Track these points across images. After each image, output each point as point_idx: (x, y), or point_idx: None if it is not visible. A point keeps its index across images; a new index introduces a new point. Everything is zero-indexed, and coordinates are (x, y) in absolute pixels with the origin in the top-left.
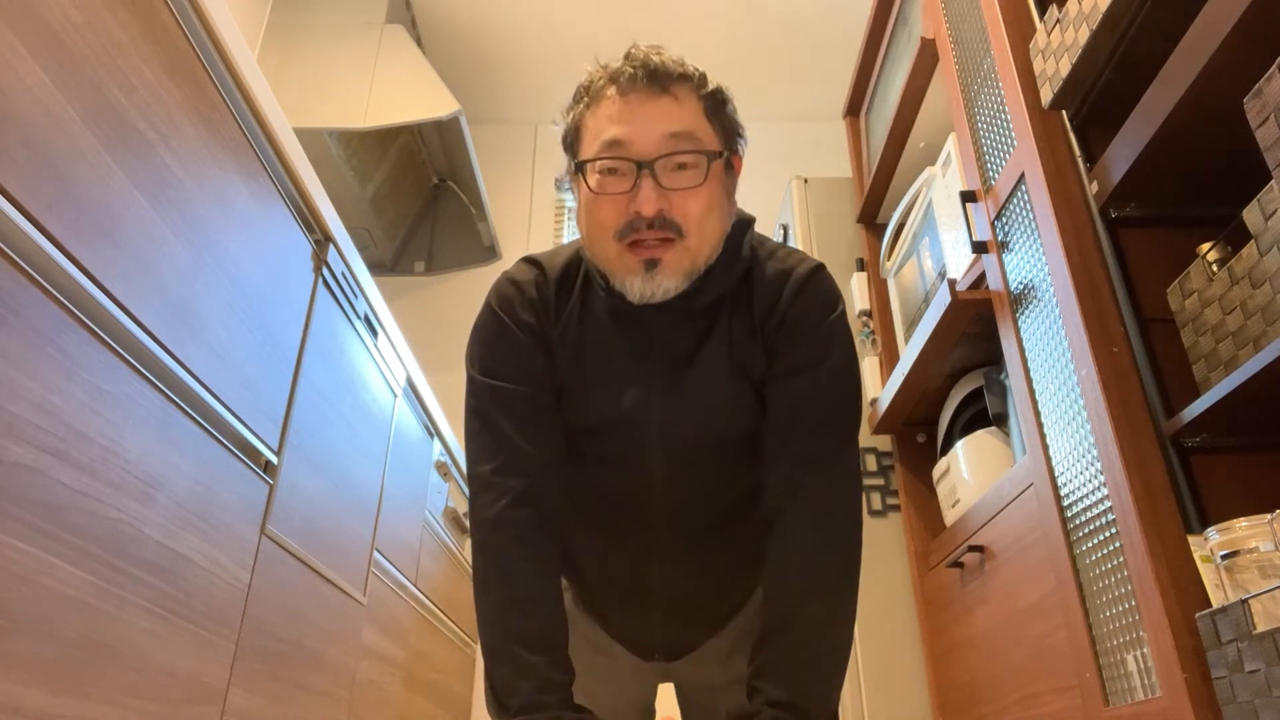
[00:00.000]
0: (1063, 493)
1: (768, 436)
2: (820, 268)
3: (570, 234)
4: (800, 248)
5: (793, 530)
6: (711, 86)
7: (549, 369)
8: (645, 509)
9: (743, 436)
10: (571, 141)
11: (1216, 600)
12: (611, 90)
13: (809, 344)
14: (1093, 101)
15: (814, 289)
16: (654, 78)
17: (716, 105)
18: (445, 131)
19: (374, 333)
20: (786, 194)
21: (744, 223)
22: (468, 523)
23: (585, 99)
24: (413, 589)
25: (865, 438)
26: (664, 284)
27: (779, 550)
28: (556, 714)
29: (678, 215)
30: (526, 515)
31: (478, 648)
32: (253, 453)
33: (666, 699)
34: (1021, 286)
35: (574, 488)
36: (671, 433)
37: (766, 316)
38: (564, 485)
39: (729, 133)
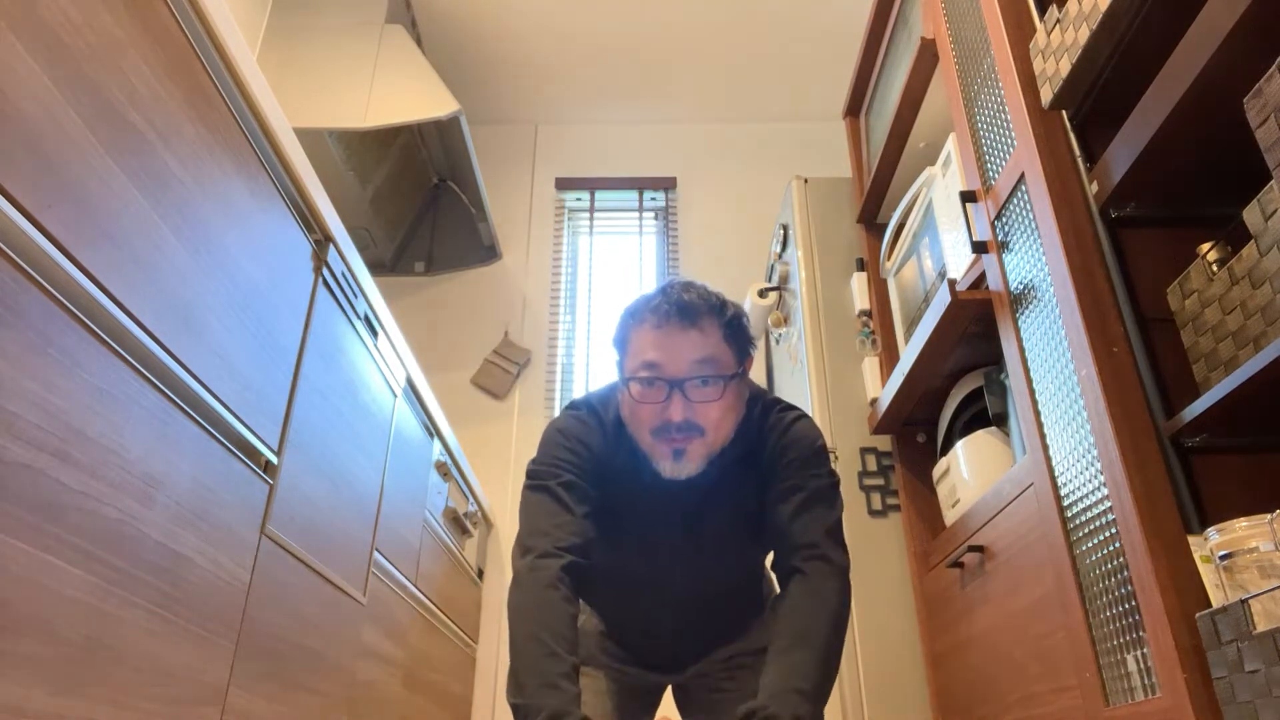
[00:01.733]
0: (1063, 493)
1: (772, 536)
2: (801, 415)
3: (570, 234)
4: (800, 248)
5: (795, 598)
6: (729, 314)
7: (603, 484)
8: (662, 590)
9: (740, 558)
10: (619, 349)
11: (1216, 600)
12: (652, 319)
13: (798, 470)
14: (1093, 101)
15: (796, 432)
16: (684, 314)
17: (733, 330)
18: (445, 131)
19: (374, 333)
20: (786, 194)
21: (754, 397)
22: (512, 562)
23: (632, 320)
24: (413, 589)
25: (865, 438)
26: (688, 468)
27: (785, 610)
28: (567, 707)
29: (700, 419)
30: (572, 562)
31: (477, 647)
32: (253, 453)
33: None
34: (1021, 286)
35: (604, 576)
36: (689, 560)
37: (764, 459)
38: (598, 572)
39: (742, 348)
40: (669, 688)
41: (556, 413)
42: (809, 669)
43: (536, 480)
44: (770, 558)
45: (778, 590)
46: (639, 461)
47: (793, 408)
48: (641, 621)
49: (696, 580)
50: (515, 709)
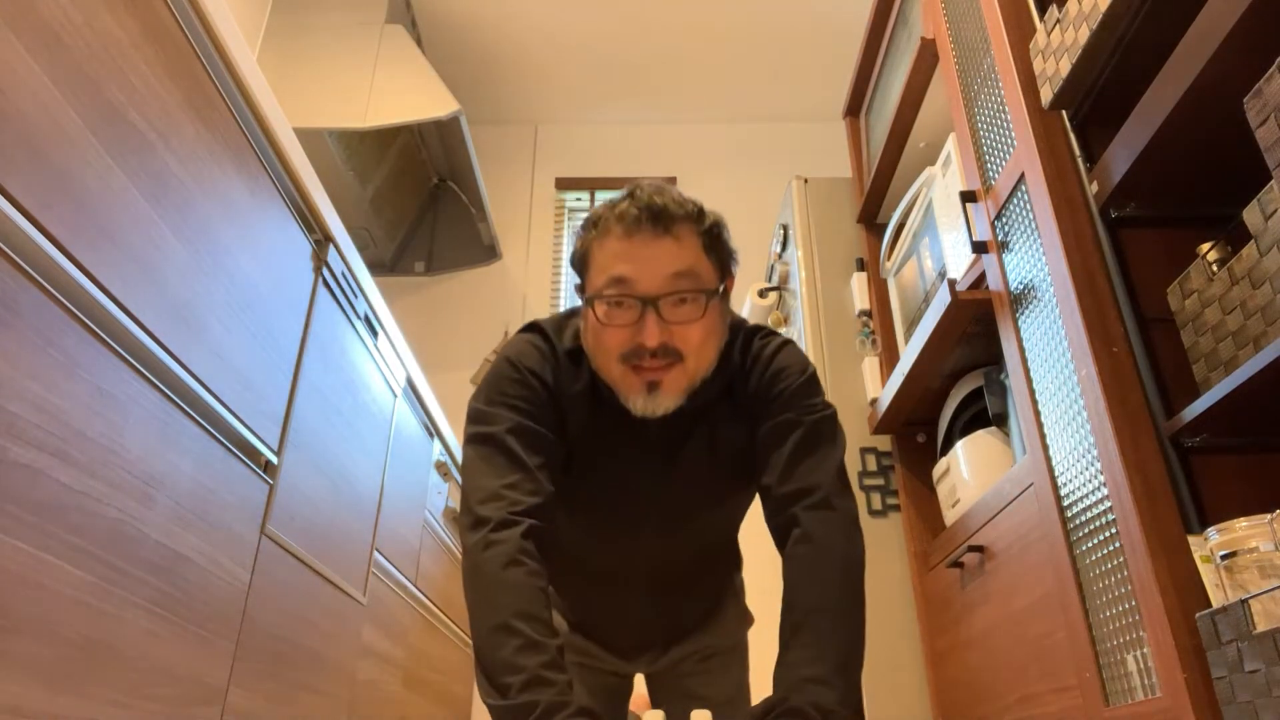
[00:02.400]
0: (1063, 493)
1: (765, 485)
2: (786, 341)
3: (570, 234)
4: (800, 248)
5: (799, 561)
6: (709, 222)
7: (561, 426)
8: (630, 562)
9: (719, 511)
10: (580, 268)
11: (1216, 600)
12: (618, 229)
13: (790, 404)
14: (1093, 101)
15: (782, 360)
16: (657, 219)
17: (713, 240)
18: (445, 131)
19: (374, 333)
20: (786, 194)
21: (734, 328)
22: (460, 531)
23: (594, 231)
24: (413, 589)
25: (865, 438)
26: (664, 403)
27: (790, 578)
28: (563, 698)
29: (679, 343)
30: (531, 526)
31: None
32: (253, 453)
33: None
34: (1021, 286)
35: (567, 539)
36: (660, 512)
37: (748, 395)
38: (558, 535)
39: (724, 262)
40: (641, 677)
41: None
42: (825, 648)
43: (482, 427)
44: (753, 528)
45: (740, 578)
46: (602, 398)
47: (774, 334)
48: (606, 599)
49: (668, 545)
50: (497, 712)
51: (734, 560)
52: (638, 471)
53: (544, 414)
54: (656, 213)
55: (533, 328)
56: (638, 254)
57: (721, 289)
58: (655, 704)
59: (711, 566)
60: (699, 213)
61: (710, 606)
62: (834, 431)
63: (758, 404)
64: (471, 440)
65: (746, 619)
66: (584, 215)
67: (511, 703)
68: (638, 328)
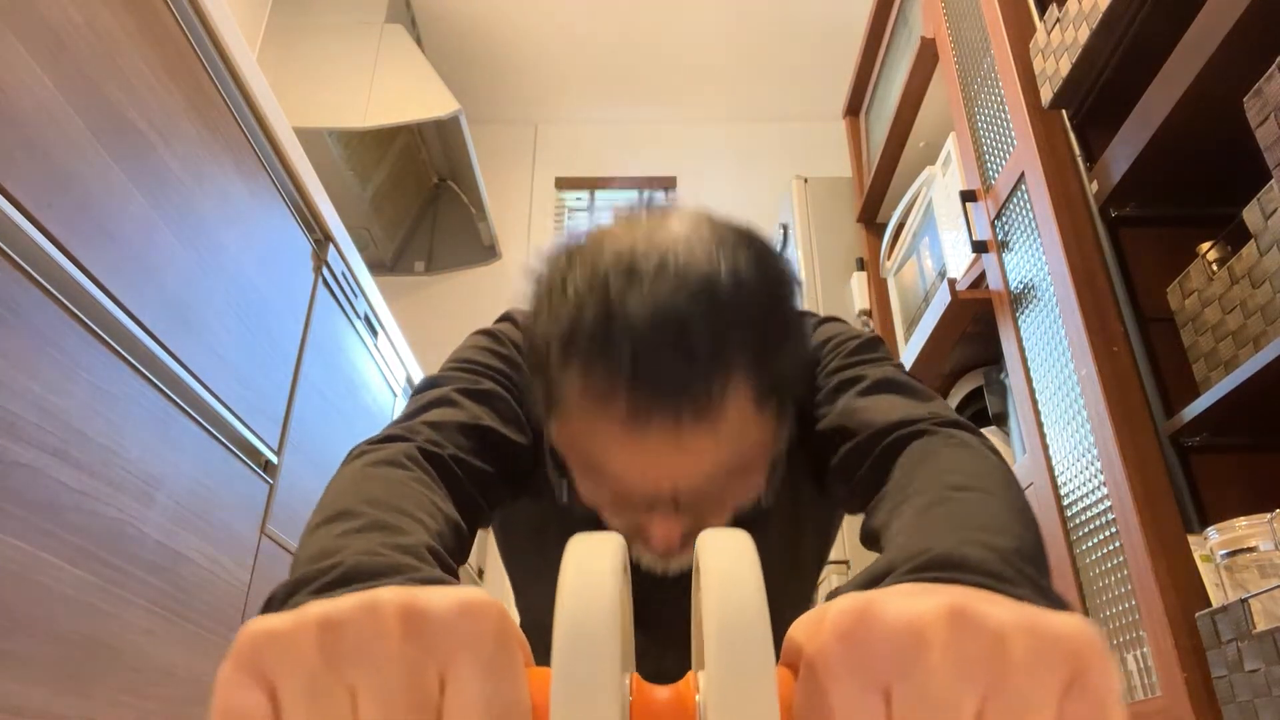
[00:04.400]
0: (1063, 492)
1: (839, 460)
2: (828, 317)
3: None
4: (800, 248)
5: (922, 453)
6: (773, 331)
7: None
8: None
9: (802, 583)
10: (549, 397)
11: (1216, 600)
12: (617, 407)
13: (845, 362)
14: (1093, 101)
15: (825, 332)
16: (682, 403)
17: (777, 368)
18: (445, 131)
19: (374, 333)
20: (786, 194)
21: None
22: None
23: (562, 370)
24: None
25: None
26: (681, 560)
27: (898, 482)
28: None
29: (705, 524)
30: (439, 462)
31: None
32: (253, 452)
33: None
34: (1021, 286)
35: (540, 601)
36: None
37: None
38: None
39: (790, 381)
40: None
41: None
42: (989, 521)
43: (426, 390)
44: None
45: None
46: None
47: (811, 314)
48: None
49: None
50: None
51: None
52: (657, 591)
53: (522, 396)
54: (676, 390)
55: (511, 320)
56: (644, 458)
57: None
58: None
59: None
60: (755, 327)
61: None
62: (918, 384)
63: (805, 412)
64: (424, 385)
65: None
66: (584, 216)
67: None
68: (644, 520)
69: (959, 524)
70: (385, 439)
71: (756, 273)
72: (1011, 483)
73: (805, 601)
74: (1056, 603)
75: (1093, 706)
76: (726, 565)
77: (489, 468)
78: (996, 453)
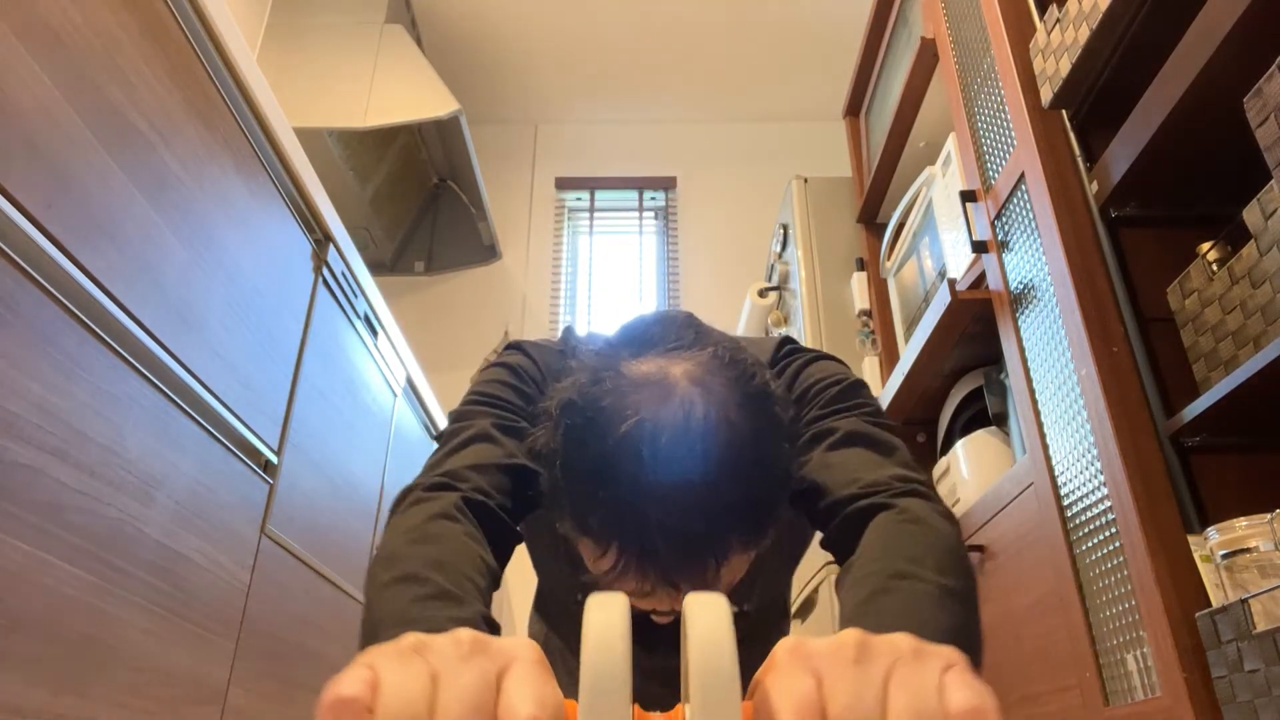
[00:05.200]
0: (1063, 492)
1: (821, 505)
2: (817, 355)
3: (570, 234)
4: (800, 248)
5: (882, 529)
6: (764, 503)
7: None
8: (650, 661)
9: (774, 590)
10: (559, 520)
11: (1216, 600)
12: (627, 585)
13: (828, 407)
14: (1093, 101)
15: (812, 373)
16: (689, 580)
17: (768, 521)
18: (445, 131)
19: (374, 333)
20: (786, 194)
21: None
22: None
23: (590, 538)
24: None
25: None
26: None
27: (866, 550)
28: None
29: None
30: (477, 501)
31: None
32: (253, 452)
33: None
34: (1021, 286)
35: (557, 593)
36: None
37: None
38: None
39: (773, 526)
40: None
41: None
42: (922, 620)
43: (459, 423)
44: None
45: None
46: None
47: (799, 351)
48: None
49: None
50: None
51: (782, 614)
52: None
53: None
54: (684, 576)
55: (519, 349)
56: (652, 603)
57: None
58: None
59: (758, 638)
60: (754, 517)
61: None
62: (892, 435)
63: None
64: (440, 438)
65: None
66: (584, 216)
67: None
68: (645, 595)
69: (889, 621)
70: (437, 485)
71: (753, 449)
72: (946, 559)
73: (784, 584)
74: None
75: (965, 675)
76: (706, 628)
77: (522, 501)
78: (943, 514)
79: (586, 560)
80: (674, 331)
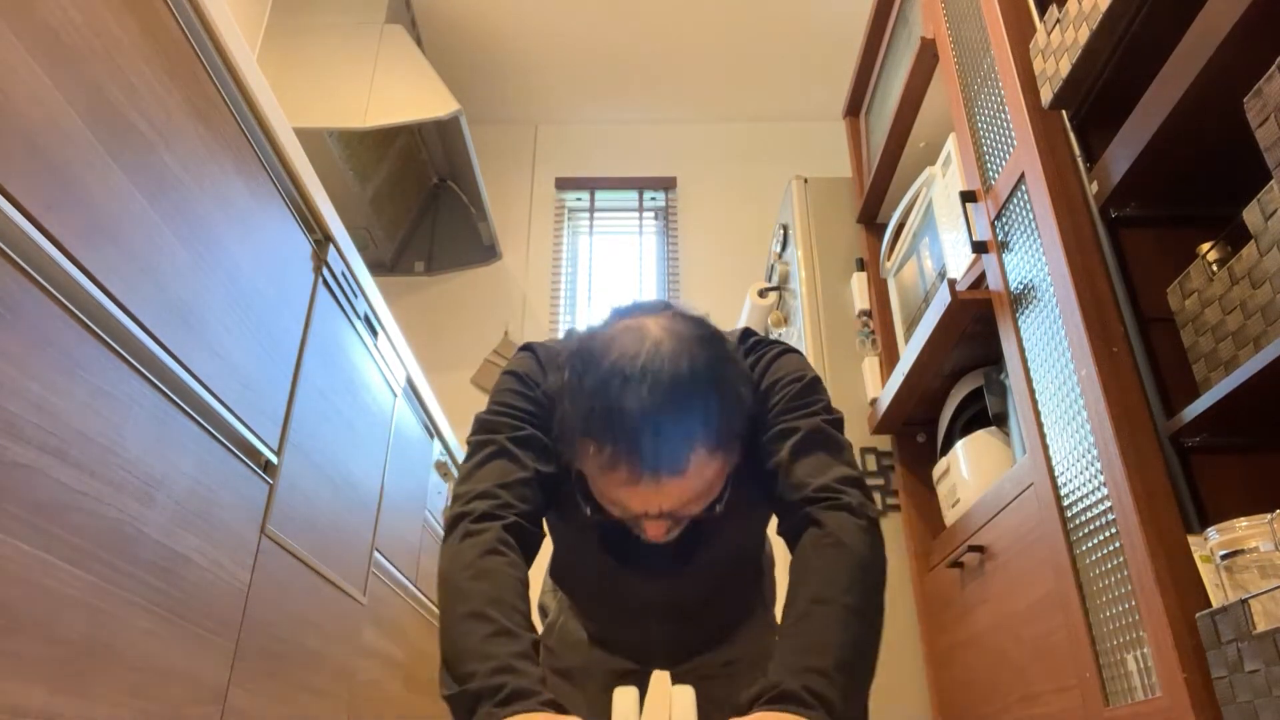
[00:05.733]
0: (1063, 493)
1: (777, 497)
2: (784, 350)
3: (570, 234)
4: (800, 248)
5: (808, 551)
6: (723, 411)
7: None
8: (643, 590)
9: (741, 534)
10: (575, 452)
11: (1216, 600)
12: (616, 475)
13: (787, 411)
14: (1093, 101)
15: (776, 369)
16: (667, 465)
17: (724, 432)
18: (445, 131)
19: (374, 333)
20: (786, 194)
21: (739, 345)
22: (446, 525)
23: (591, 443)
24: (413, 589)
25: (865, 438)
26: (670, 536)
27: (796, 571)
28: (532, 686)
29: (685, 515)
30: (516, 524)
31: None
32: (253, 453)
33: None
34: (1021, 286)
35: (576, 564)
36: (666, 550)
37: (752, 422)
38: (568, 556)
39: (734, 431)
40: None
41: None
42: (830, 642)
43: (482, 435)
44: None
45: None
46: None
47: (770, 344)
48: (621, 617)
49: (684, 575)
50: (456, 701)
51: (760, 568)
52: (643, 545)
53: (547, 424)
54: (666, 456)
55: (531, 350)
56: (638, 496)
57: (737, 462)
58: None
59: (736, 582)
60: (709, 412)
61: (739, 617)
62: (839, 433)
63: (759, 419)
64: (473, 444)
65: (775, 627)
66: (584, 216)
67: (475, 687)
68: (641, 519)
69: (803, 652)
70: (483, 516)
71: (708, 370)
72: (854, 576)
73: (759, 539)
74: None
75: None
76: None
77: (544, 506)
78: (862, 527)
79: (588, 462)
80: (649, 305)
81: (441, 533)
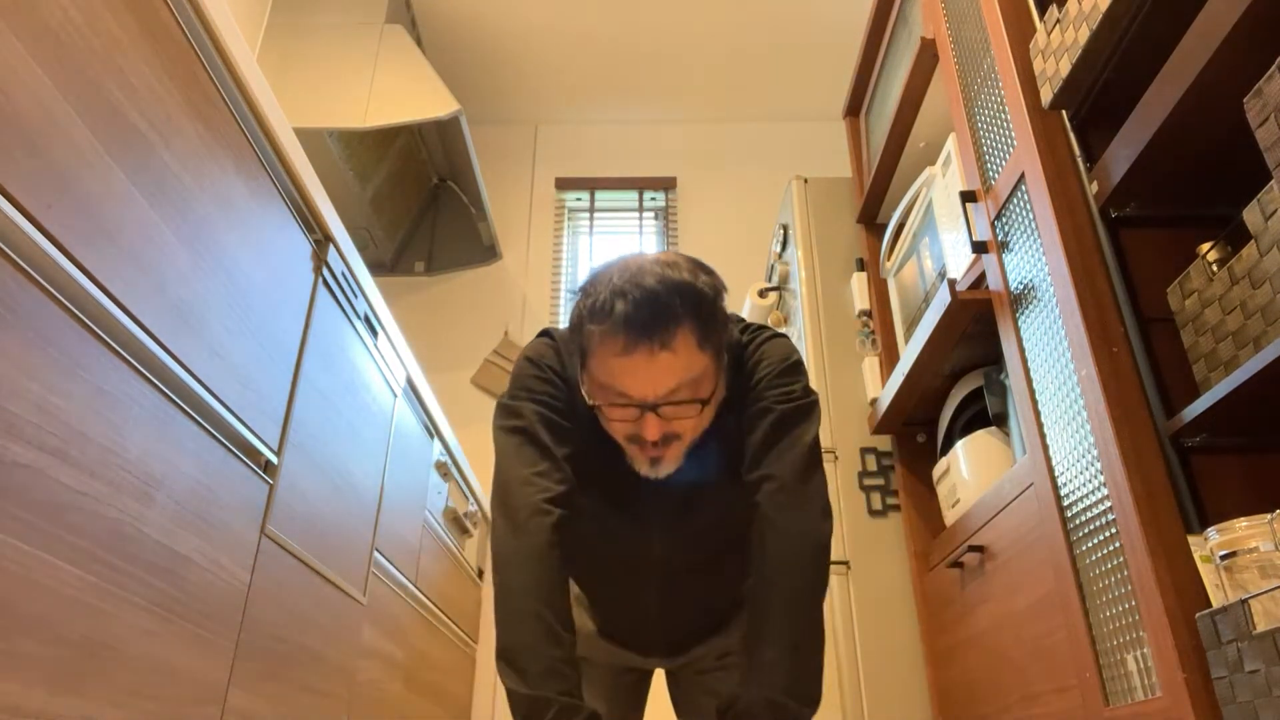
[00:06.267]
0: (1063, 493)
1: (748, 463)
2: (774, 334)
3: (570, 234)
4: (800, 248)
5: (756, 559)
6: (704, 307)
7: (578, 421)
8: (644, 561)
9: (736, 506)
10: (578, 343)
11: (1216, 600)
12: (614, 344)
13: (765, 390)
14: (1093, 101)
15: (764, 352)
16: (655, 336)
17: (708, 326)
18: (445, 131)
19: (374, 333)
20: (786, 194)
21: (731, 344)
22: (493, 513)
23: (594, 327)
24: (413, 589)
25: (865, 438)
26: (666, 469)
27: (751, 579)
28: (572, 700)
29: (676, 429)
30: (561, 516)
31: (478, 647)
32: (253, 453)
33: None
34: (1021, 286)
35: (584, 536)
36: (667, 516)
37: (741, 396)
38: (578, 531)
39: (718, 344)
40: (662, 675)
41: None
42: (777, 637)
43: (512, 420)
44: None
45: None
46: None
47: (763, 329)
48: (625, 594)
49: (681, 542)
50: (514, 697)
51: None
52: (641, 479)
53: (565, 407)
54: (653, 327)
55: (548, 334)
56: (635, 371)
57: (718, 373)
58: (674, 699)
59: (730, 557)
60: (695, 301)
61: (733, 603)
62: (806, 417)
63: (745, 398)
64: (501, 431)
65: None
66: (584, 216)
67: (529, 693)
68: (639, 422)
69: (759, 629)
70: (535, 511)
71: (698, 284)
72: (796, 563)
73: (749, 513)
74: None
75: None
76: None
77: (574, 477)
78: (807, 518)
79: (593, 353)
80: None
81: (442, 534)
